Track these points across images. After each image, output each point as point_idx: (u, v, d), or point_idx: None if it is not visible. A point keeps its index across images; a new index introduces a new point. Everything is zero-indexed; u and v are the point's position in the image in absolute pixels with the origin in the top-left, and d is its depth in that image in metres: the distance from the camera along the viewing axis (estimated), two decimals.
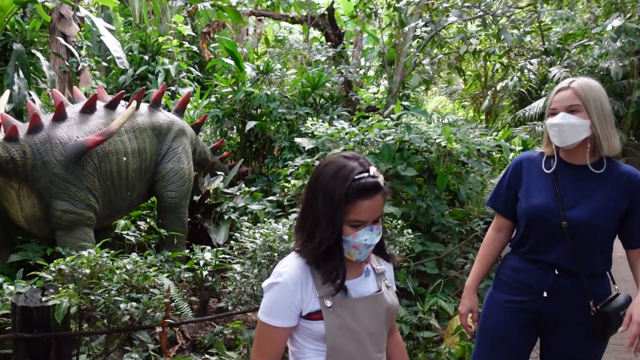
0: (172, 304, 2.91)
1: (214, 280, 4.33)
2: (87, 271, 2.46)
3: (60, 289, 2.37)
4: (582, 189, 2.17)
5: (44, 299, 2.32)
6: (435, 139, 5.27)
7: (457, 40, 8.63)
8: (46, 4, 6.59)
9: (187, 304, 3.88)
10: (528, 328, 2.31)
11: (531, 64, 9.03)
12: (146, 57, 11.13)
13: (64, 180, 3.83)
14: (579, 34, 11.07)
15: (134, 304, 2.46)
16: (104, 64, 10.23)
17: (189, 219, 5.28)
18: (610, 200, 2.13)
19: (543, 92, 12.80)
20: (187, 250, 4.53)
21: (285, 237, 3.31)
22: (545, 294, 2.22)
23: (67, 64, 8.37)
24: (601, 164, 2.18)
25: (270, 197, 5.71)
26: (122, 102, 4.62)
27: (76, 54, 8.00)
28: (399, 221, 3.95)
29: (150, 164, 4.66)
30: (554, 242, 2.19)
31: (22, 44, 7.36)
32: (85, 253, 2.60)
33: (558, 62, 11.01)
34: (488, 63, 10.94)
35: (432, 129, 5.45)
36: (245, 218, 5.51)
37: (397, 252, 3.65)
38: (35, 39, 9.08)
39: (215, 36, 10.49)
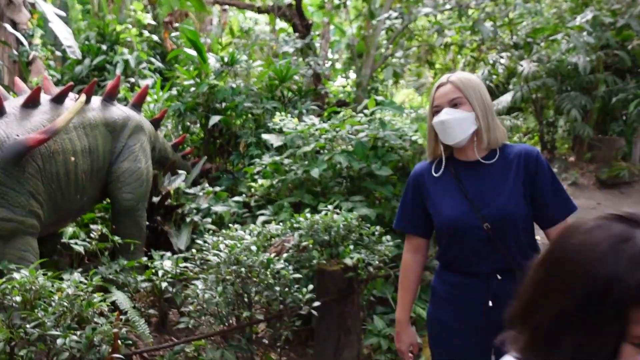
0: (122, 330, 2.54)
1: (174, 291, 3.96)
2: (18, 298, 2.08)
3: None
4: (486, 185, 2.09)
5: None
6: (410, 136, 5.01)
7: (429, 33, 8.41)
8: None
9: (144, 320, 3.51)
10: (481, 345, 2.11)
11: (502, 58, 8.87)
12: (104, 47, 10.57)
13: (1, 184, 3.39)
14: (547, 28, 10.99)
15: (75, 337, 2.09)
16: (59, 53, 9.65)
17: (147, 223, 4.88)
18: (516, 185, 2.07)
19: (510, 86, 12.73)
20: (144, 258, 4.15)
21: (254, 247, 2.98)
22: (490, 303, 2.07)
23: (17, 53, 7.79)
24: (493, 154, 2.11)
25: (236, 198, 5.35)
26: (72, 95, 4.18)
27: (25, 43, 7.43)
28: (377, 227, 3.66)
29: (104, 164, 4.24)
30: (482, 248, 2.08)
31: None
32: (17, 275, 2.22)
33: (526, 56, 10.91)
34: (458, 56, 10.80)
35: (407, 125, 5.18)
36: (209, 220, 5.15)
37: (377, 261, 3.36)
38: None
39: (177, 25, 10.01)
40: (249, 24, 14.76)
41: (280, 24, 11.79)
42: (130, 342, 3.31)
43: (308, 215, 3.54)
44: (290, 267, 3.18)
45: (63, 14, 6.83)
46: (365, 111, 5.35)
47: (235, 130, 6.59)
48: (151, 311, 3.99)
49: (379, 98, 6.23)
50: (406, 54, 7.80)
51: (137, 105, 4.91)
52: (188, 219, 5.04)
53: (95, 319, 2.26)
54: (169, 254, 4.30)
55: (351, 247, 3.52)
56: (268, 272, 2.82)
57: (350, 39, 9.22)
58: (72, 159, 3.84)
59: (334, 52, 15.29)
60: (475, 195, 2.08)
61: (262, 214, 4.80)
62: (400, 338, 2.31)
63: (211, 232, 4.21)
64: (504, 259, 2.06)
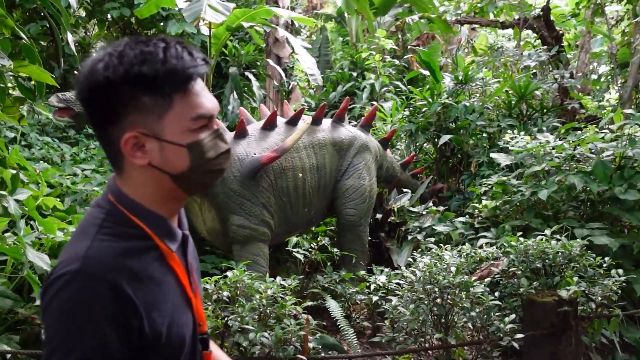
0: (317, 335, 2.68)
1: (387, 305, 4.02)
2: (226, 293, 2.39)
3: None
4: None
5: None
6: None
7: None
8: (256, 28, 7.07)
9: (353, 330, 3.66)
10: None
11: None
12: (354, 74, 11.42)
13: (239, 195, 3.93)
14: None
15: (265, 334, 2.31)
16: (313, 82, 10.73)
17: (371, 238, 5.07)
18: None
19: None
20: (362, 272, 4.32)
21: (453, 269, 2.86)
22: None
23: (276, 83, 8.94)
24: None
25: (461, 218, 5.20)
26: (305, 118, 4.63)
27: (282, 75, 8.47)
28: (606, 258, 3.17)
29: (330, 181, 4.57)
30: None
31: (238, 67, 8.06)
32: (229, 274, 2.55)
33: None
34: None
35: None
36: (432, 239, 5.11)
37: (599, 298, 2.91)
38: (258, 62, 9.93)
39: (416, 48, 10.23)
40: (502, 41, 14.27)
41: (532, 37, 11.13)
42: (337, 349, 3.47)
43: (521, 239, 3.25)
44: (497, 293, 2.97)
45: (309, 46, 7.60)
46: (612, 126, 4.69)
47: (467, 150, 6.42)
48: (365, 323, 4.12)
49: (630, 112, 5.39)
50: None
51: (366, 126, 5.16)
52: (410, 237, 5.08)
53: (285, 321, 2.46)
54: (387, 269, 4.40)
55: (575, 278, 3.11)
56: (463, 295, 2.68)
57: (610, 46, 8.19)
58: (300, 175, 4.24)
59: (599, 64, 13.79)
60: None
61: (484, 237, 4.57)
62: None
63: (422, 250, 4.18)
64: None
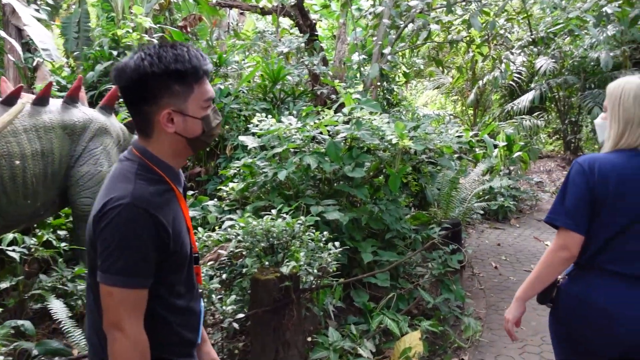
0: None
1: None
2: None
3: None
4: None
5: None
6: (387, 136, 4.72)
7: (440, 30, 8.06)
8: None
9: (80, 330, 3.36)
10: None
11: (512, 54, 8.43)
12: (115, 53, 10.62)
13: None
14: (567, 23, 10.48)
15: None
16: (62, 60, 9.71)
17: None
18: None
19: (532, 85, 12.21)
20: None
21: None
22: None
23: (12, 59, 7.85)
24: None
25: (210, 202, 5.17)
26: (27, 97, 4.08)
27: (20, 50, 7.44)
28: (325, 232, 3.40)
29: (60, 168, 4.12)
30: None
31: None
32: None
33: (545, 53, 10.42)
34: (473, 55, 10.40)
35: (387, 125, 4.90)
36: None
37: (315, 269, 3.10)
38: None
39: (191, 29, 9.96)
40: (271, 27, 14.64)
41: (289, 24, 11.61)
42: (63, 354, 3.15)
43: (250, 220, 3.31)
44: (224, 275, 2.96)
45: (43, 17, 6.80)
46: (344, 110, 5.08)
47: (223, 133, 6.43)
48: None
49: (357, 97, 5.94)
50: (394, 50, 7.46)
51: (107, 108, 4.77)
52: None
53: None
54: None
55: (302, 254, 3.27)
56: None
57: (353, 36, 8.94)
58: (18, 162, 3.73)
59: (360, 54, 15.02)
60: None
61: (231, 219, 4.60)
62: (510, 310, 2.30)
63: None
64: None
